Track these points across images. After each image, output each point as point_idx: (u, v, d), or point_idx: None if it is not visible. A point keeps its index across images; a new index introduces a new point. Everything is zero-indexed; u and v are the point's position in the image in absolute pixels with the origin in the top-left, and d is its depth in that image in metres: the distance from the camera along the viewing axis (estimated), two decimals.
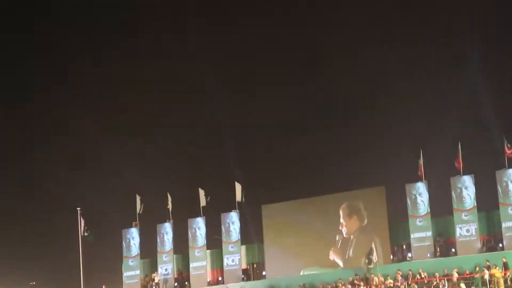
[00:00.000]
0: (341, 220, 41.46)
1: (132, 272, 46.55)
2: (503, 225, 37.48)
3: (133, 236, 46.84)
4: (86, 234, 45.33)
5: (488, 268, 35.59)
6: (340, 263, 41.14)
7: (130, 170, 52.30)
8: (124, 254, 46.91)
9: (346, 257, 40.93)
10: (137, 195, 46.36)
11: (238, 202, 43.81)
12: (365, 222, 40.95)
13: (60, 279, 50.09)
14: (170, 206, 45.48)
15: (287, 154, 50.99)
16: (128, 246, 46.81)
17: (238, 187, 43.51)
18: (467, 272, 36.32)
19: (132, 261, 46.66)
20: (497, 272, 35.16)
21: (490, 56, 46.21)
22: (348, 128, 50.03)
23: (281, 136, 48.90)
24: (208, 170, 48.49)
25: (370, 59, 48.79)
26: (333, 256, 41.51)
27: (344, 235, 41.26)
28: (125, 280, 46.59)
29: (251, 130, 51.78)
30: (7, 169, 58.43)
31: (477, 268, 36.12)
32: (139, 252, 46.66)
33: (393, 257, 40.08)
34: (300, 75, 52.15)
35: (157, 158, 53.21)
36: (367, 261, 38.60)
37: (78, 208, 46.92)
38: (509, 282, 34.95)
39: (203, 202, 44.72)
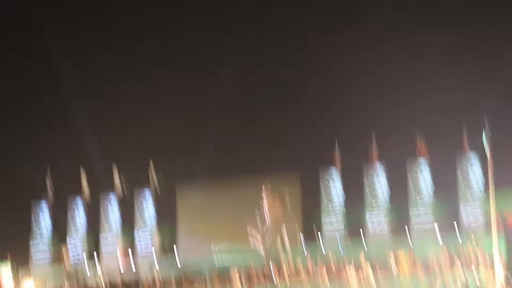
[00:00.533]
0: (261, 202, 41.92)
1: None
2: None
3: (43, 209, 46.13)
4: None
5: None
6: (259, 246, 41.60)
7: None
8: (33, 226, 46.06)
9: (266, 239, 41.40)
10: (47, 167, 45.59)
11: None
12: (286, 203, 41.58)
13: None
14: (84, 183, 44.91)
15: (204, 135, 50.76)
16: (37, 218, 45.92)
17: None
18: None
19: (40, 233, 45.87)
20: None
21: None
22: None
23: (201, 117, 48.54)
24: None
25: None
26: (251, 238, 41.89)
27: (265, 219, 41.74)
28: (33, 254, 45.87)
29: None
30: None
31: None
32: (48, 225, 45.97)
33: (304, 240, 40.90)
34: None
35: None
36: (279, 246, 39.08)
37: None
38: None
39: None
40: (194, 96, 47.94)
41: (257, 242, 41.51)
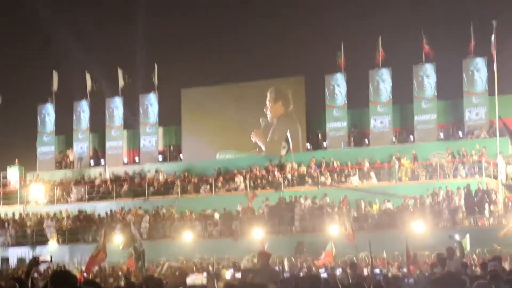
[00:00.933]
0: (267, 103, 41.96)
1: (46, 148, 46.07)
2: (416, 118, 38.80)
3: (49, 112, 46.09)
4: None
5: (398, 159, 36.93)
6: (262, 147, 41.90)
7: (47, 45, 51.01)
8: (39, 130, 46.26)
9: (268, 140, 41.66)
10: (53, 71, 45.42)
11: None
12: (290, 108, 41.63)
13: None
14: (89, 84, 44.83)
15: (210, 39, 50.53)
16: (43, 122, 46.14)
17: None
18: (378, 162, 37.60)
19: (46, 137, 46.13)
20: (407, 163, 36.55)
21: None
22: (271, 17, 49.89)
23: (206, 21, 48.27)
24: (127, 51, 47.62)
25: None
26: (255, 138, 42.15)
27: (268, 119, 41.91)
28: (39, 156, 46.14)
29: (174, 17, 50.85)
30: None
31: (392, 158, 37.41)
32: (54, 128, 46.09)
33: (308, 145, 41.12)
34: None
35: (77, 35, 51.80)
36: (283, 149, 39.15)
37: None
38: (416, 172, 36.45)
39: (121, 82, 44.26)
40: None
41: (260, 145, 41.80)
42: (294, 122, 41.08)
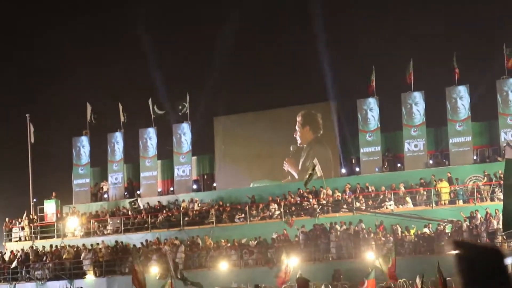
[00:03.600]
0: (296, 128, 41.94)
1: (82, 180, 46.46)
2: (450, 140, 38.44)
3: (83, 145, 46.54)
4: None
5: (434, 182, 36.54)
6: (295, 175, 41.78)
7: (81, 78, 51.63)
8: (74, 162, 46.68)
9: (300, 168, 41.56)
10: (87, 104, 45.93)
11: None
12: (320, 133, 41.52)
13: (7, 186, 49.65)
14: (122, 116, 45.22)
15: (240, 67, 50.70)
16: (78, 154, 46.57)
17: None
18: (413, 185, 37.23)
19: (82, 169, 46.53)
20: (445, 186, 36.09)
21: None
22: (301, 41, 49.96)
23: (235, 48, 48.49)
24: (159, 82, 47.97)
25: None
26: (287, 166, 42.10)
27: (298, 144, 41.85)
28: (75, 188, 46.51)
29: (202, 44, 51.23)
30: None
31: (423, 181, 37.03)
32: (89, 161, 46.50)
33: (343, 170, 40.91)
34: None
35: (109, 67, 52.45)
36: (309, 174, 38.64)
37: (27, 115, 46.47)
38: (452, 196, 36.03)
39: (155, 112, 44.58)
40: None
41: (293, 173, 41.68)
42: (324, 147, 40.94)
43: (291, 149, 41.92)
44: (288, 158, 42.01)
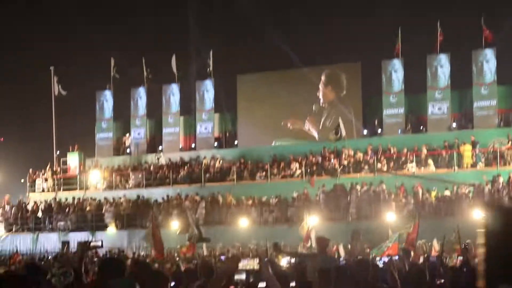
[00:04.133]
0: (320, 87, 41.74)
1: (104, 134, 46.73)
2: (475, 104, 38.09)
3: (107, 99, 46.71)
4: (62, 92, 45.39)
5: (457, 145, 36.30)
6: (315, 134, 41.70)
7: (105, 32, 51.59)
8: (97, 117, 46.92)
9: (321, 128, 41.45)
10: (111, 58, 45.94)
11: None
12: (343, 93, 41.29)
13: (31, 137, 50.11)
14: (145, 71, 45.22)
15: (265, 24, 50.33)
16: (102, 108, 46.77)
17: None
18: (436, 148, 37.01)
19: (105, 123, 46.77)
20: (468, 149, 35.81)
21: None
22: (327, 3, 49.55)
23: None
24: (182, 37, 47.87)
25: None
26: (308, 125, 41.99)
27: (320, 104, 41.68)
28: (98, 142, 46.84)
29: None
30: None
31: (446, 144, 36.81)
32: (112, 115, 46.70)
33: (365, 131, 40.75)
34: None
35: (133, 23, 52.37)
36: (333, 133, 38.63)
37: (51, 67, 46.62)
38: (474, 159, 35.79)
39: (176, 68, 44.53)
40: None
41: (314, 132, 41.59)
42: (347, 108, 40.71)
43: (313, 108, 41.77)
44: (310, 116, 41.85)
